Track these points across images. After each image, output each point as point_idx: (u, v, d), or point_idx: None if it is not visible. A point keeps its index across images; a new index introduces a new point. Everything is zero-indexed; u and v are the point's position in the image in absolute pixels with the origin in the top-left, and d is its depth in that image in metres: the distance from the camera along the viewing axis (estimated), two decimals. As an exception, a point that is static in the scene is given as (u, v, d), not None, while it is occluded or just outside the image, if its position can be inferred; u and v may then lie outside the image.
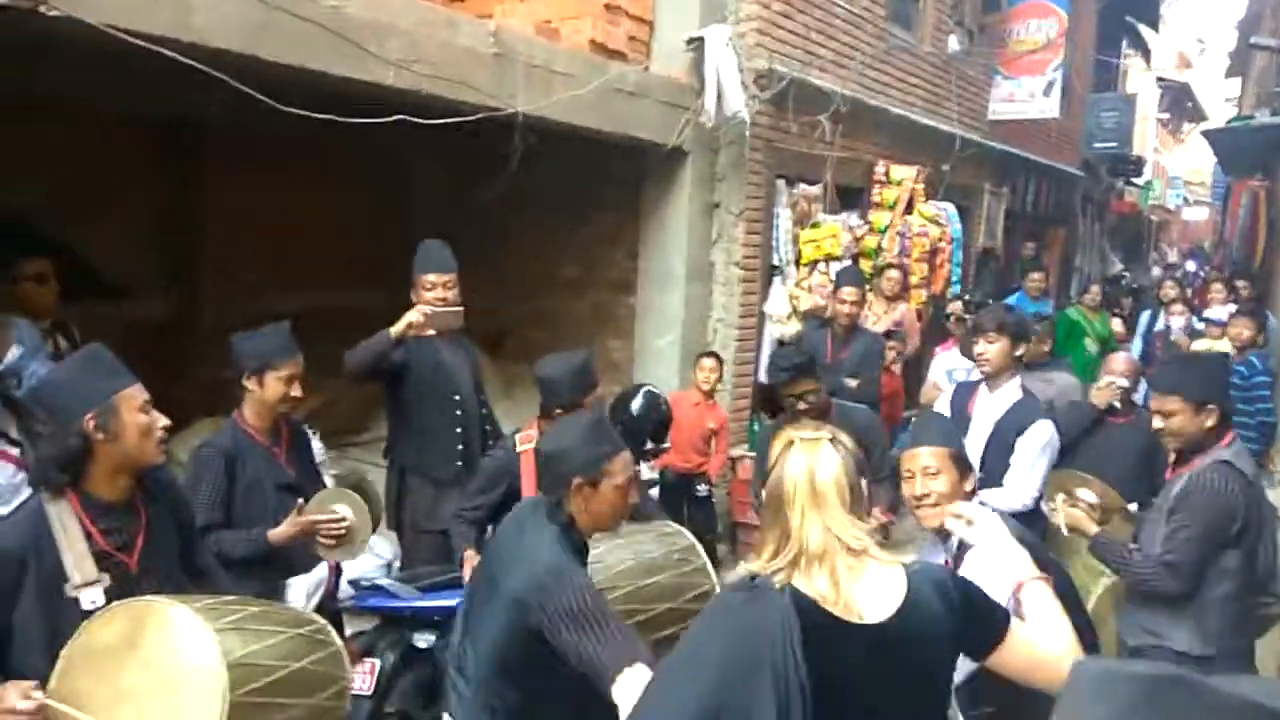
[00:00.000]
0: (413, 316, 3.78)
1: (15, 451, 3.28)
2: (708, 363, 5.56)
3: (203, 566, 2.58)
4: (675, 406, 5.32)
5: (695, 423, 5.38)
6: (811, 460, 1.73)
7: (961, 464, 2.54)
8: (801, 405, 3.61)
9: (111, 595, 2.13)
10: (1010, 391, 3.91)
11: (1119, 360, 4.64)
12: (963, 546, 2.37)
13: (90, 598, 2.11)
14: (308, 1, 3.68)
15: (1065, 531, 3.13)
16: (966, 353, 5.06)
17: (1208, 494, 2.86)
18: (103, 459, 2.21)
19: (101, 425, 2.17)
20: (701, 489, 5.45)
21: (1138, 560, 3.01)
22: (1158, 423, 3.06)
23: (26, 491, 2.58)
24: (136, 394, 2.28)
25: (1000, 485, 3.68)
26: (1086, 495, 3.16)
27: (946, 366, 5.93)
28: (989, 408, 3.92)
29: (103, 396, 2.20)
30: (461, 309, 3.95)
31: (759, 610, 1.67)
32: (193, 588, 2.38)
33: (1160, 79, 25.78)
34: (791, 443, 1.77)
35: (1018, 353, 3.99)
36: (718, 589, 2.94)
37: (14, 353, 3.36)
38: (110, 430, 2.19)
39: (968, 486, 2.51)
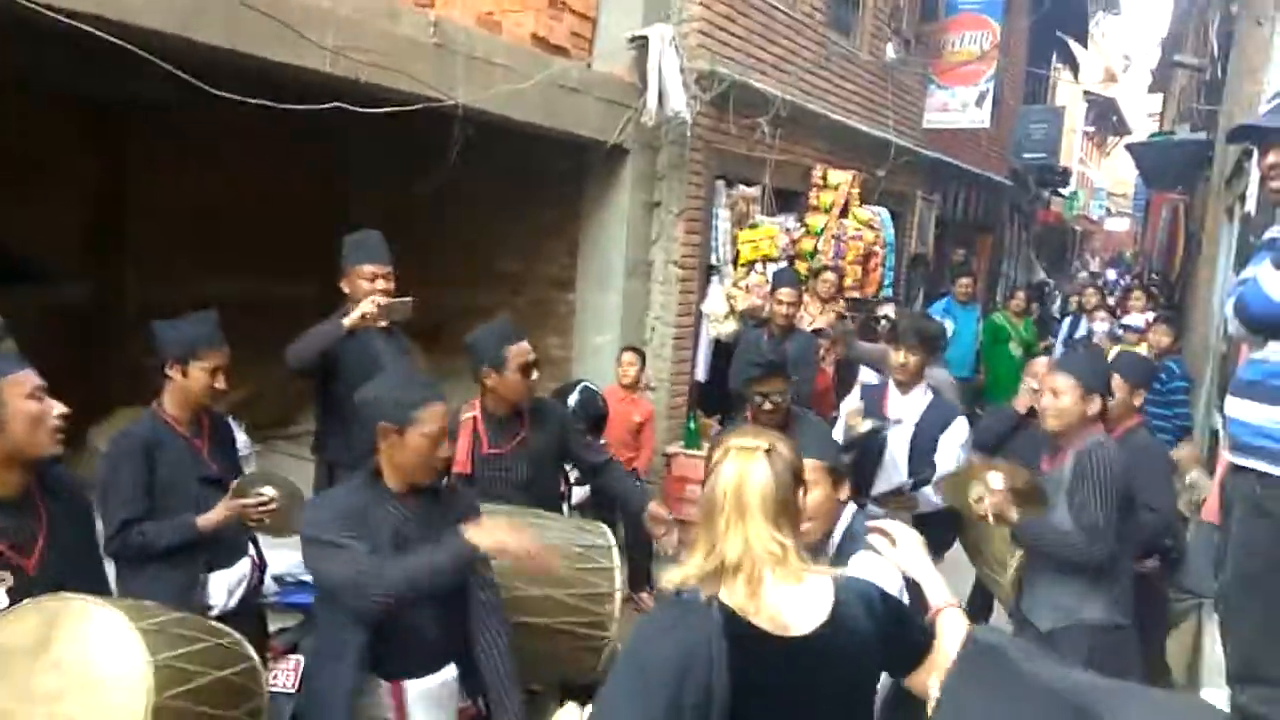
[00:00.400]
0: (367, 307, 3.69)
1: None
2: (627, 356, 5.60)
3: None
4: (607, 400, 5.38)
5: (621, 417, 5.40)
6: (742, 469, 1.72)
7: (836, 476, 2.49)
8: (767, 405, 3.64)
9: (15, 598, 1.99)
10: (921, 392, 4.11)
11: (1040, 365, 4.80)
12: (842, 551, 2.38)
13: None
14: (244, -16, 3.60)
15: (991, 520, 3.18)
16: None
17: (1100, 461, 3.05)
18: None
19: None
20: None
21: (1069, 535, 3.09)
22: (1046, 399, 3.25)
23: None
24: (24, 379, 2.12)
25: (924, 478, 3.82)
26: (995, 480, 3.22)
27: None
28: (905, 409, 4.09)
29: None
30: (411, 300, 3.88)
31: (685, 626, 1.66)
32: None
33: (1087, 93, 26.57)
34: (729, 451, 1.76)
35: (930, 363, 4.24)
36: (617, 594, 2.97)
37: None
38: None
39: (841, 496, 2.52)
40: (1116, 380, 3.65)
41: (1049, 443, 3.37)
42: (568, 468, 3.90)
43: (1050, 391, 3.24)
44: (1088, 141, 30.92)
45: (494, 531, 2.41)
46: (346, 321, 3.65)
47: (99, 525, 2.97)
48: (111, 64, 3.41)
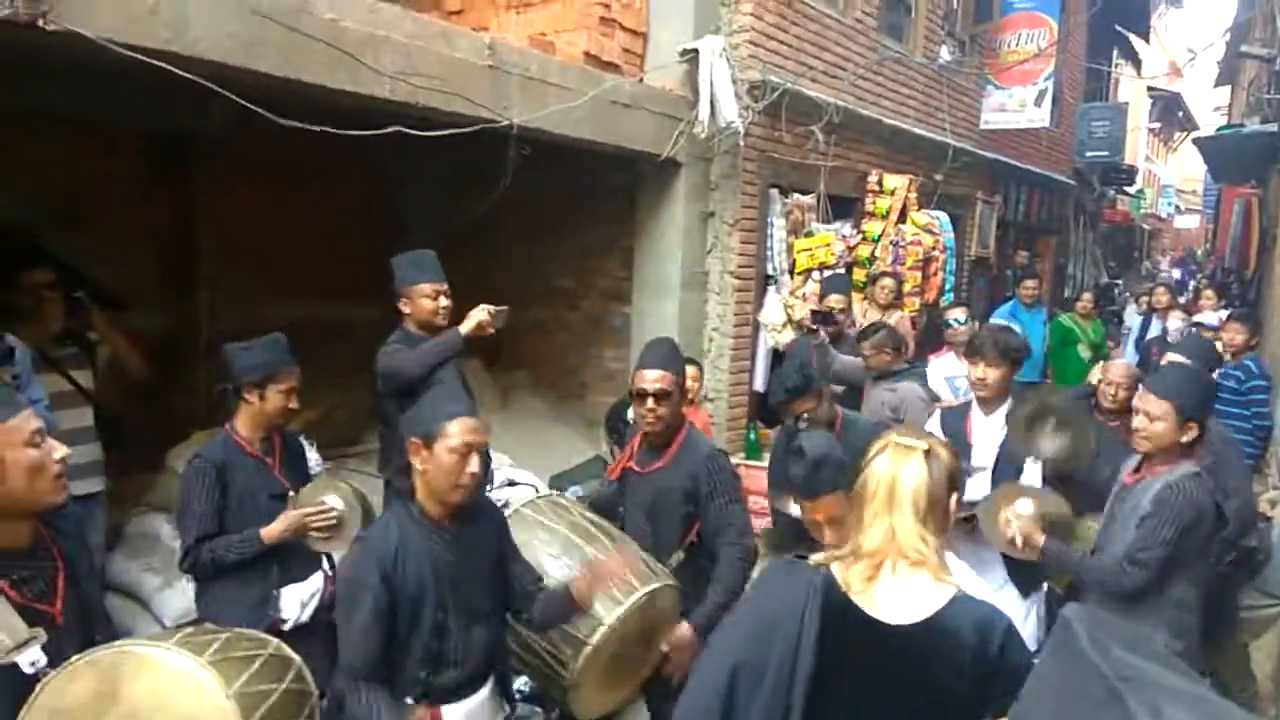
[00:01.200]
0: (481, 315, 3.73)
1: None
2: (689, 370, 5.55)
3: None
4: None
5: None
6: (896, 465, 1.79)
7: None
8: (802, 424, 3.60)
9: (48, 652, 1.82)
10: (1004, 413, 3.78)
11: (1117, 366, 4.69)
12: None
13: (29, 659, 1.79)
14: (304, 15, 3.71)
15: (1019, 544, 3.12)
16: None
17: (1185, 500, 2.89)
18: None
19: None
20: None
21: (1093, 560, 3.05)
22: (1139, 421, 3.06)
23: None
24: (20, 425, 1.89)
25: None
26: (1024, 507, 3.14)
27: (944, 373, 5.95)
28: (989, 431, 3.79)
29: None
30: (506, 308, 3.90)
31: (790, 582, 1.76)
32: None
33: (1151, 88, 25.94)
34: (887, 446, 1.83)
35: (1014, 378, 3.86)
36: (591, 644, 2.71)
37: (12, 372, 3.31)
38: None
39: None
40: (1157, 403, 3.47)
41: (1125, 452, 3.28)
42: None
43: (1144, 414, 3.04)
44: (1153, 138, 30.15)
45: None
46: (464, 329, 3.70)
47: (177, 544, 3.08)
48: (177, 97, 3.54)
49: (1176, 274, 22.60)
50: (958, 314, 6.06)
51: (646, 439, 3.19)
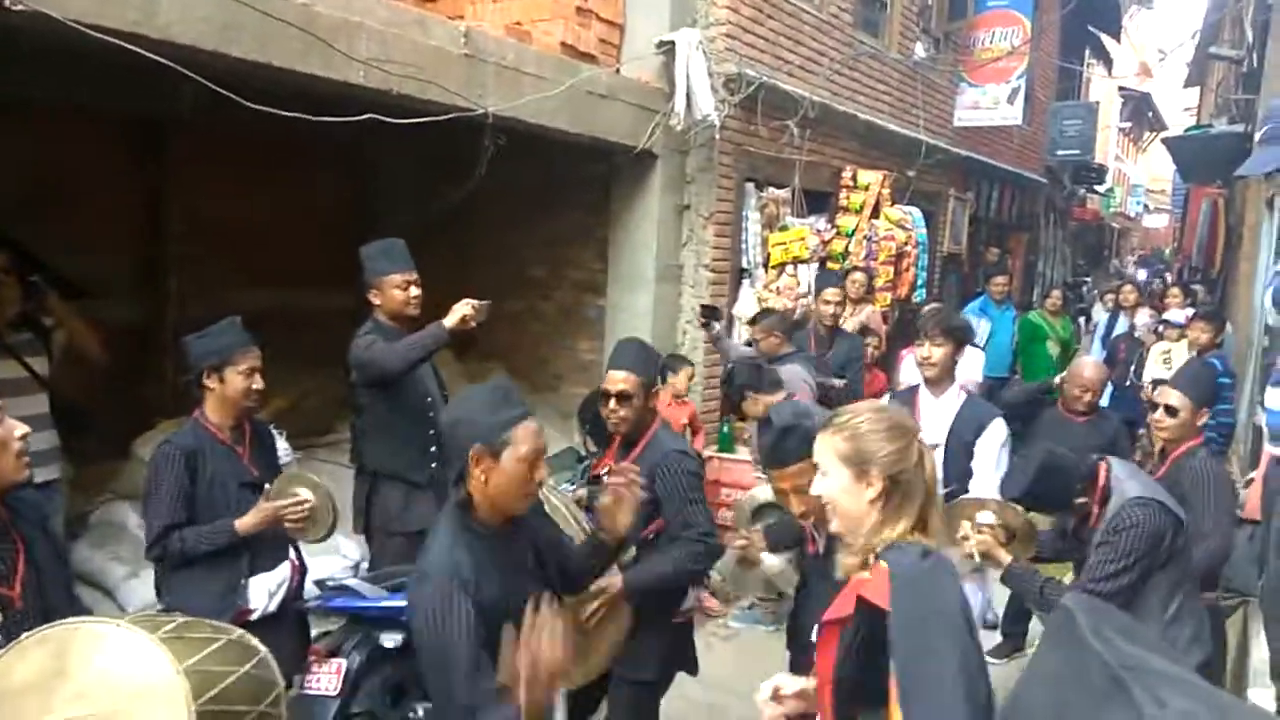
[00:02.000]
0: (465, 309, 3.71)
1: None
2: (686, 369, 5.60)
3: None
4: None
5: (673, 420, 5.38)
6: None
7: None
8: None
9: (6, 633, 1.81)
10: (954, 395, 3.91)
11: (1088, 366, 4.75)
12: None
13: None
14: (276, -1, 3.67)
15: (978, 560, 3.09)
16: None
17: (1135, 532, 2.84)
18: None
19: None
20: None
21: (1054, 588, 2.98)
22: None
23: None
24: None
25: (961, 487, 3.69)
26: (985, 518, 3.05)
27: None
28: (937, 413, 3.88)
29: None
30: (490, 302, 3.89)
31: (953, 575, 1.79)
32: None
33: (1122, 88, 26.25)
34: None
35: (958, 358, 4.00)
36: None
37: None
38: None
39: None
40: (1179, 397, 3.60)
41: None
42: None
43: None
44: (1123, 137, 30.52)
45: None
46: (448, 323, 3.68)
47: (141, 531, 3.05)
48: (149, 81, 3.49)
49: (1142, 274, 22.90)
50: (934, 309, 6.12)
51: (619, 438, 3.24)
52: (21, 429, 1.97)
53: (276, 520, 3.03)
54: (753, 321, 5.41)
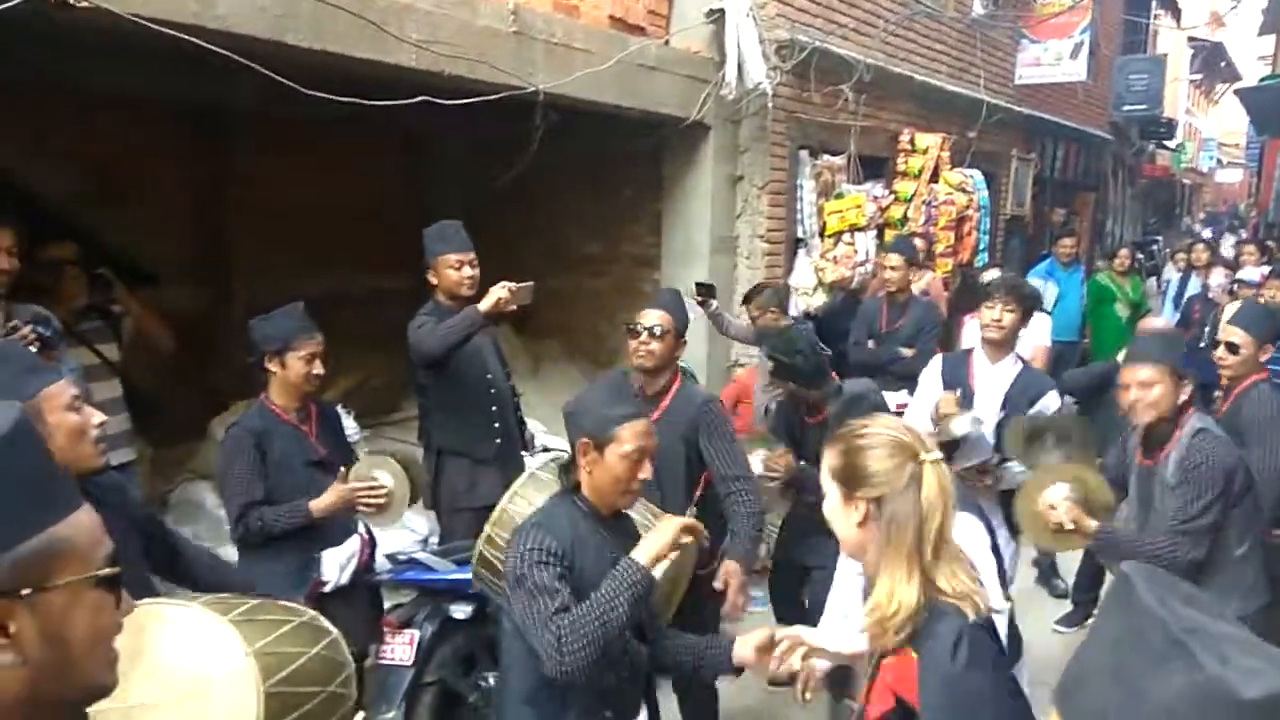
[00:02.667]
0: (500, 293, 3.75)
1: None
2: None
3: (181, 553, 2.46)
4: (750, 381, 5.38)
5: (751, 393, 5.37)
6: None
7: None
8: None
9: None
10: (1010, 362, 3.85)
11: (1157, 325, 4.66)
12: None
13: None
14: (329, -15, 3.72)
15: (1069, 528, 3.04)
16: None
17: (1208, 462, 2.86)
18: None
19: None
20: None
21: (1147, 539, 2.98)
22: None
23: None
24: (62, 390, 1.94)
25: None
26: (1060, 491, 3.00)
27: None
28: (993, 380, 3.82)
29: (20, 396, 1.82)
30: (533, 285, 3.92)
31: None
32: (177, 589, 2.21)
33: (1191, 39, 25.24)
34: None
35: (1023, 327, 3.95)
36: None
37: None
38: None
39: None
40: (1241, 334, 3.57)
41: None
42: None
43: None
44: (1194, 90, 29.40)
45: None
46: (483, 307, 3.71)
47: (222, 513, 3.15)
48: (208, 72, 3.57)
49: (1208, 232, 22.11)
50: (992, 275, 5.98)
51: (644, 387, 3.29)
52: (99, 417, 2.02)
53: (351, 503, 3.10)
54: (747, 299, 5.36)
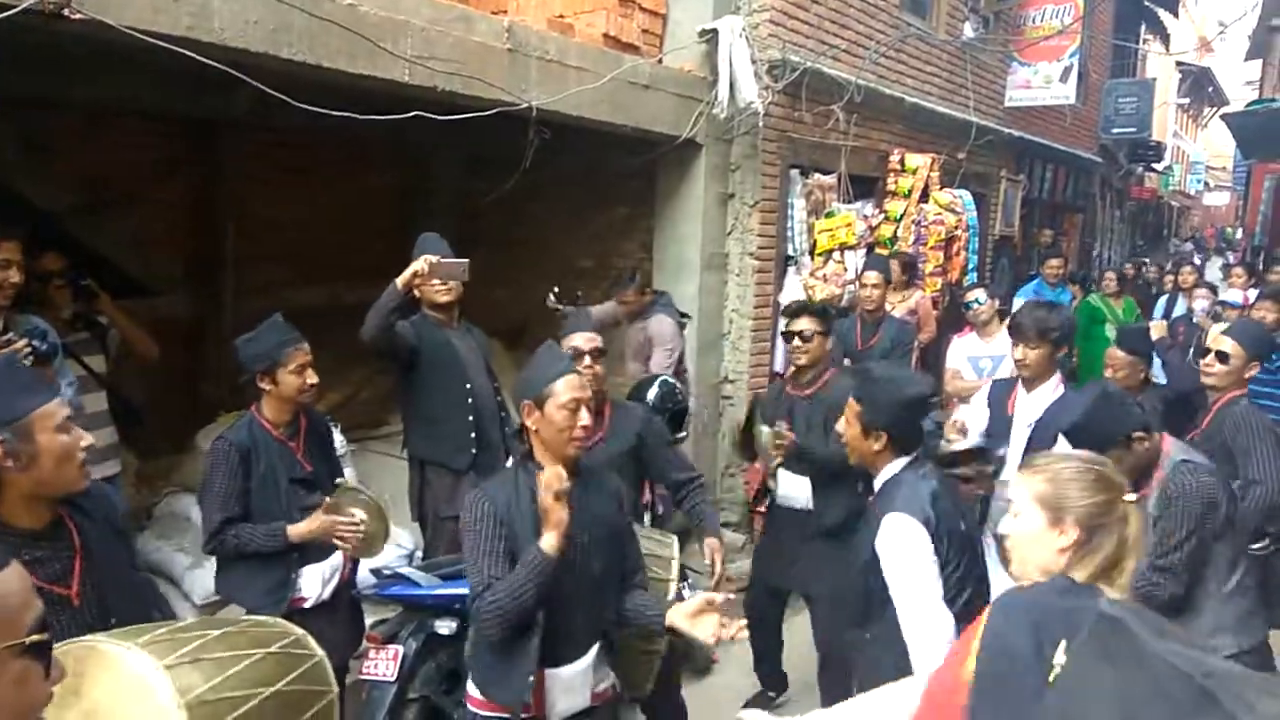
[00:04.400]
0: (418, 265, 3.79)
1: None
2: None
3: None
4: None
5: None
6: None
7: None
8: (798, 342, 4.05)
9: (55, 637, 1.78)
10: (1048, 391, 3.97)
11: (1114, 355, 4.67)
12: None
13: None
14: (325, 0, 3.73)
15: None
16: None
17: (1188, 495, 2.84)
18: (15, 488, 1.90)
19: (11, 451, 1.86)
20: None
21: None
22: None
23: None
24: (55, 411, 1.94)
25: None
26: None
27: (966, 353, 5.94)
28: (1027, 406, 3.97)
29: (13, 416, 1.88)
30: (466, 261, 3.98)
31: None
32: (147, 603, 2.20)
33: (1180, 63, 25.48)
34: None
35: (1059, 355, 4.05)
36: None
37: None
38: (23, 456, 1.87)
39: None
40: (1233, 345, 3.65)
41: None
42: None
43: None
44: (1182, 114, 29.65)
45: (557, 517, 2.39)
46: (399, 281, 3.75)
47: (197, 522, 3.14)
48: (203, 85, 3.58)
49: (1199, 257, 22.23)
50: (978, 294, 6.04)
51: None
52: (87, 439, 2.02)
53: (329, 535, 3.08)
54: (614, 286, 5.68)
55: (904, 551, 2.50)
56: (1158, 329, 5.30)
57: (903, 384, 2.79)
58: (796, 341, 3.98)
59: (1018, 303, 8.76)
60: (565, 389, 2.44)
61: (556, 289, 5.64)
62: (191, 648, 1.76)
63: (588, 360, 3.37)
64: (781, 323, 6.71)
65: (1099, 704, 0.94)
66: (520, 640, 2.43)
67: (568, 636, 2.51)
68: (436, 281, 3.93)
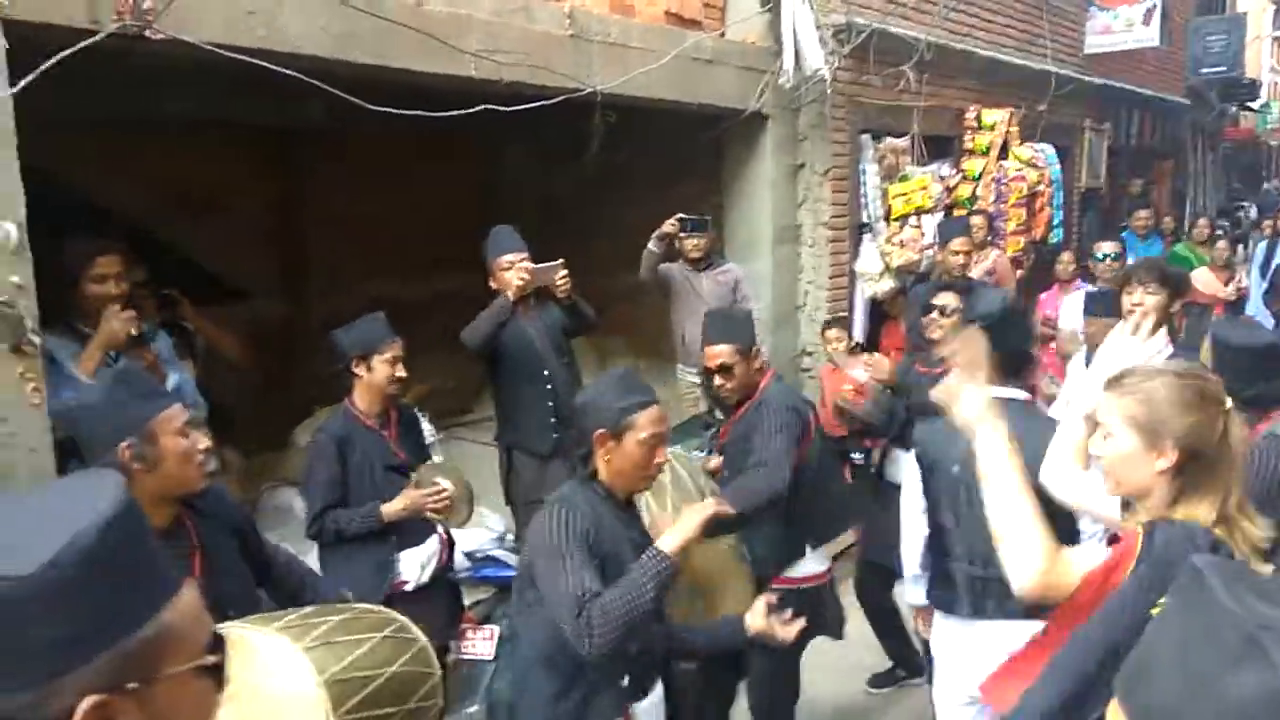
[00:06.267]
0: (518, 279, 3.94)
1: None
2: (832, 333, 5.59)
3: (275, 563, 2.54)
4: (824, 379, 5.54)
5: (833, 389, 5.35)
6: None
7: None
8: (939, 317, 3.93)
9: None
10: (1155, 345, 3.78)
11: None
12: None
13: None
14: (388, 2, 3.81)
15: None
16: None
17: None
18: (141, 490, 1.97)
19: (139, 454, 2.00)
20: (857, 456, 5.27)
21: None
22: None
23: None
24: (175, 415, 2.08)
25: None
26: None
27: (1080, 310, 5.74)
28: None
29: (139, 422, 2.02)
30: (558, 263, 4.07)
31: None
32: (270, 598, 2.34)
33: (1274, -7, 24.10)
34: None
35: (1173, 308, 3.83)
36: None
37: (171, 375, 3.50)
38: (148, 459, 2.01)
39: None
40: None
41: None
42: None
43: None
44: (1278, 47, 28.04)
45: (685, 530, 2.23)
46: (510, 294, 3.87)
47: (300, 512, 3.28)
48: (280, 92, 3.70)
49: None
50: (1108, 247, 5.70)
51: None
52: (205, 441, 2.14)
53: (419, 508, 3.21)
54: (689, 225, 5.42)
55: None
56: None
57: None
58: (935, 315, 3.90)
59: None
60: (648, 423, 2.24)
61: (681, 216, 5.50)
62: (320, 631, 1.87)
63: (717, 378, 3.23)
64: (859, 291, 6.65)
65: (1165, 642, 0.99)
66: (604, 679, 2.24)
67: (649, 663, 2.36)
68: (508, 274, 4.03)
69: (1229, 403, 1.74)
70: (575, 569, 2.10)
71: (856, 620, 4.87)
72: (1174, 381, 1.76)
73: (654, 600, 2.11)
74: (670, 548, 2.16)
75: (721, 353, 3.19)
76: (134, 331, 3.24)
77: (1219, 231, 9.42)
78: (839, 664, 4.56)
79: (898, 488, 3.96)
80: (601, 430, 2.23)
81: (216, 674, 1.03)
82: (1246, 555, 1.65)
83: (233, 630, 1.78)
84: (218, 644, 1.02)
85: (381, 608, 2.21)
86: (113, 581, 0.87)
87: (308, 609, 2.11)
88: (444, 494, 3.24)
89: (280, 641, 1.78)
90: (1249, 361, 2.72)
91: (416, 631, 2.05)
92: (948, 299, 3.89)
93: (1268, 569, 1.66)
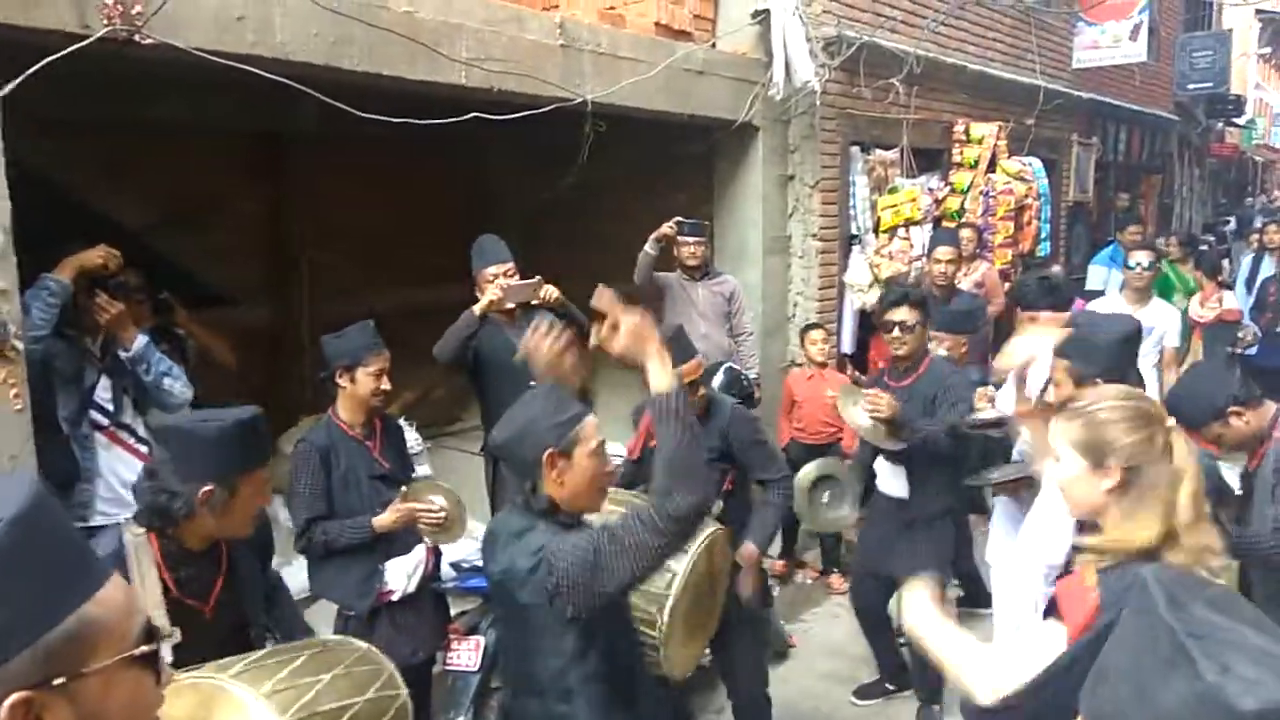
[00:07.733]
0: (492, 294, 3.93)
1: (145, 449, 3.48)
2: (816, 334, 5.62)
3: (275, 603, 2.60)
4: (795, 384, 5.55)
5: (814, 394, 5.36)
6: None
7: None
8: (896, 332, 3.94)
9: (184, 647, 1.96)
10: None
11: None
12: None
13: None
14: (382, 10, 3.81)
15: None
16: None
17: None
18: (199, 525, 2.11)
19: (215, 500, 2.08)
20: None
21: (1248, 534, 2.84)
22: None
23: None
24: (261, 478, 2.18)
25: None
26: None
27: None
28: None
29: (231, 471, 2.10)
30: (537, 279, 4.07)
31: None
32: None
33: (1259, 11, 24.35)
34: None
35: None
36: (670, 598, 2.62)
37: (140, 340, 3.49)
38: (220, 508, 2.09)
39: None
40: None
41: None
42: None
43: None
44: (1264, 64, 28.34)
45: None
46: (476, 309, 3.87)
47: (288, 523, 3.26)
48: (271, 99, 3.69)
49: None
50: (1141, 257, 5.62)
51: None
52: (266, 500, 2.26)
53: (411, 521, 3.20)
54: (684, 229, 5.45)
55: None
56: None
57: (1111, 325, 2.79)
58: (896, 332, 3.87)
59: (1093, 270, 8.55)
60: (593, 432, 2.16)
61: (680, 219, 5.51)
62: (283, 675, 1.92)
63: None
64: (848, 302, 6.67)
65: (1119, 648, 1.05)
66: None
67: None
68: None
69: (1171, 420, 1.82)
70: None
71: (843, 630, 4.88)
72: (1114, 404, 1.84)
73: (693, 435, 2.03)
74: (664, 385, 2.05)
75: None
76: (110, 266, 3.25)
77: (1203, 247, 9.48)
78: (824, 674, 4.56)
79: (889, 498, 3.98)
80: (550, 450, 2.10)
81: (152, 663, 1.01)
82: (1202, 570, 1.68)
83: (226, 685, 1.83)
84: (151, 634, 1.00)
85: (345, 639, 2.33)
86: (26, 578, 0.87)
87: (281, 646, 2.16)
88: (439, 511, 3.23)
89: (258, 702, 1.80)
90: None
91: (381, 658, 2.13)
92: (904, 314, 3.85)
93: (1223, 581, 1.72)
